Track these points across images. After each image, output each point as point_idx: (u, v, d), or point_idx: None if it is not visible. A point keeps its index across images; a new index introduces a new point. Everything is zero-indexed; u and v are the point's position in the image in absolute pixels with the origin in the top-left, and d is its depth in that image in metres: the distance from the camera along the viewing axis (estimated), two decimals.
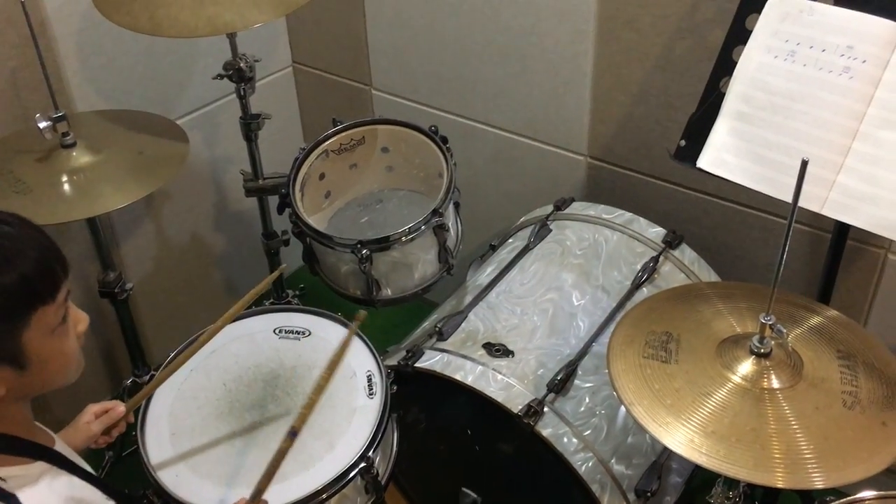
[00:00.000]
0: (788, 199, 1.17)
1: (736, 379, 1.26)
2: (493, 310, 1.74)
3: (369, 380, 1.54)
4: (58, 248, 1.10)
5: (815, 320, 1.39)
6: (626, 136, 2.02)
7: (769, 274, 1.24)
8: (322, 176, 1.85)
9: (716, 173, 1.48)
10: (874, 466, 1.15)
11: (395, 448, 1.56)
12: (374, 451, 1.43)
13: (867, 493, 1.24)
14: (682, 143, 1.53)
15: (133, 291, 2.05)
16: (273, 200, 1.96)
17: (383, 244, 1.64)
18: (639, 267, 1.80)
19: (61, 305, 1.09)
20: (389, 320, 2.19)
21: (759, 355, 1.27)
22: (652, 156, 1.99)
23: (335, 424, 1.46)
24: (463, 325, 1.71)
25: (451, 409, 1.81)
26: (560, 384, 1.56)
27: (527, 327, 1.69)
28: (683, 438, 1.19)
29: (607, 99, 2.00)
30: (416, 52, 2.27)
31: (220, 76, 2.03)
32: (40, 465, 1.11)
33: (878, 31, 1.36)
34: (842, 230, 1.60)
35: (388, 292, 1.73)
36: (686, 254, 1.87)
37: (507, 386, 1.56)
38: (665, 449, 1.55)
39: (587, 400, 1.59)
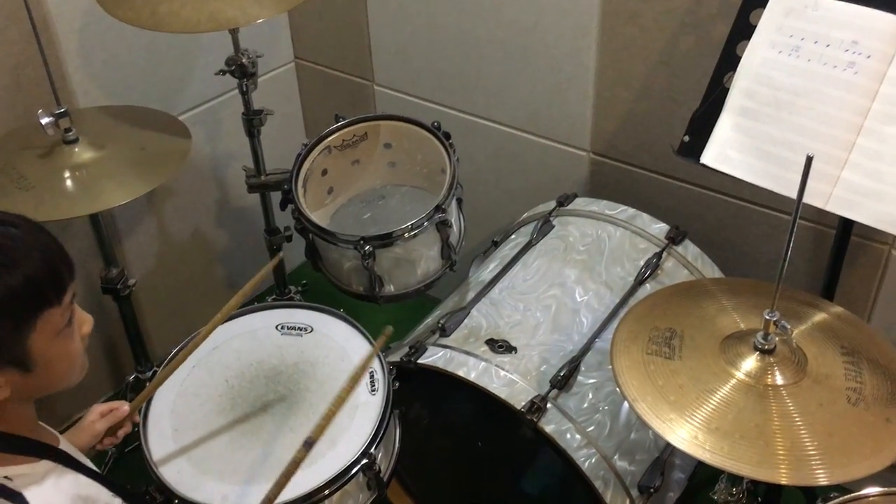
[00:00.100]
0: (792, 195, 1.16)
1: (740, 375, 1.25)
2: (496, 306, 1.74)
3: (371, 376, 1.54)
4: (64, 250, 1.10)
5: (819, 317, 1.38)
6: (629, 132, 2.01)
7: (772, 270, 1.24)
8: (324, 172, 1.84)
9: (719, 169, 1.47)
10: (878, 463, 1.15)
11: (397, 445, 1.56)
12: (376, 448, 1.43)
13: (871, 490, 1.23)
14: (686, 138, 1.52)
15: (135, 287, 2.05)
16: (275, 196, 1.96)
17: (386, 240, 1.64)
18: (642, 263, 1.79)
19: (67, 307, 1.09)
20: (392, 316, 2.19)
21: (762, 352, 1.26)
22: (655, 151, 1.99)
23: (337, 421, 1.45)
24: (466, 321, 1.71)
25: (453, 406, 1.81)
26: (563, 380, 1.56)
27: (530, 323, 1.69)
28: (687, 435, 1.19)
29: (610, 94, 1.99)
30: (418, 47, 2.26)
31: (223, 72, 2.02)
32: (45, 464, 1.11)
33: (882, 26, 1.35)
34: (846, 226, 1.60)
35: (390, 288, 1.72)
36: (689, 250, 1.86)
37: (510, 382, 1.56)
38: (668, 445, 1.55)
39: (590, 396, 1.59)
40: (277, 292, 2.42)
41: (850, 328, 1.36)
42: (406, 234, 1.64)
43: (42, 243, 1.07)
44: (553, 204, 1.98)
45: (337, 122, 1.83)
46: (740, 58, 1.46)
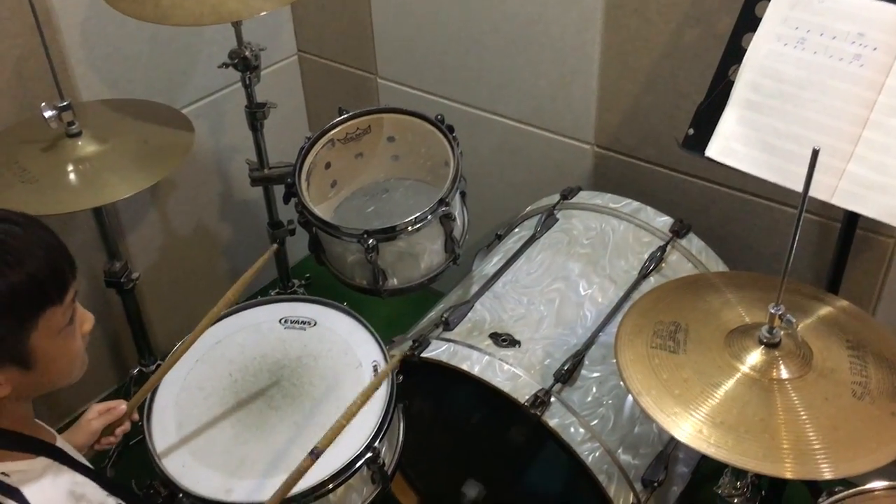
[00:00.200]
0: (798, 188, 1.16)
1: (745, 369, 1.25)
2: (500, 299, 1.74)
3: (375, 370, 1.54)
4: (67, 249, 1.10)
5: (824, 310, 1.38)
6: (633, 125, 2.00)
7: (777, 263, 1.23)
8: (328, 165, 1.84)
9: (724, 162, 1.46)
10: (883, 457, 1.14)
11: (401, 438, 1.56)
12: (380, 442, 1.43)
13: (876, 484, 1.23)
14: (691, 131, 1.52)
15: (139, 281, 2.05)
16: (279, 190, 1.96)
17: (389, 234, 1.63)
18: (646, 256, 1.79)
19: (69, 306, 1.09)
20: (395, 310, 2.19)
21: (768, 345, 1.26)
22: (659, 144, 1.98)
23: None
24: (469, 314, 1.70)
25: (457, 400, 1.81)
26: (567, 374, 1.56)
27: (533, 317, 1.69)
28: (692, 429, 1.18)
29: (614, 87, 1.99)
30: (421, 40, 2.25)
31: (226, 65, 2.02)
32: (42, 461, 1.11)
33: (889, 18, 1.34)
34: (851, 219, 1.59)
35: (394, 282, 1.72)
36: (694, 243, 1.86)
37: (514, 376, 1.55)
38: (672, 439, 1.54)
39: (594, 390, 1.59)
40: (281, 286, 2.42)
41: (855, 322, 1.36)
42: (409, 228, 1.63)
43: (45, 242, 1.07)
44: (557, 197, 1.98)
45: (340, 116, 1.82)
46: (745, 50, 1.45)
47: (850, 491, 1.24)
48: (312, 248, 1.78)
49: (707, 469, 1.72)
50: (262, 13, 1.75)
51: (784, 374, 1.24)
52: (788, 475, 1.14)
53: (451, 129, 1.76)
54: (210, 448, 1.44)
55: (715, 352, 1.29)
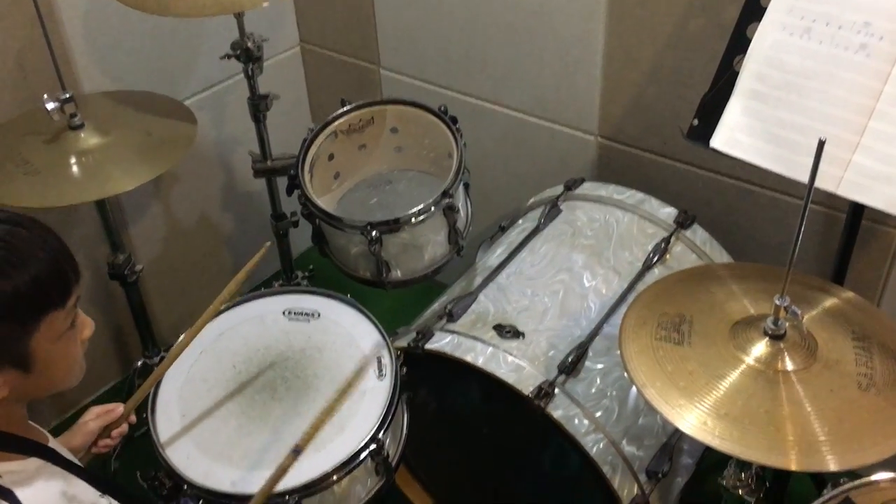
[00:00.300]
0: (803, 179, 1.15)
1: (750, 361, 1.25)
2: (504, 291, 1.74)
3: (379, 361, 1.54)
4: (71, 253, 1.10)
5: (829, 301, 1.37)
6: (637, 116, 2.00)
7: (782, 254, 1.23)
8: (331, 157, 1.84)
9: (729, 153, 1.46)
10: (889, 449, 1.14)
11: (405, 430, 1.56)
12: (384, 433, 1.43)
13: (882, 476, 1.23)
14: (695, 122, 1.51)
15: (142, 273, 2.05)
16: (282, 181, 1.95)
17: (393, 226, 1.63)
18: (650, 248, 1.78)
19: (71, 311, 1.09)
20: (399, 302, 2.19)
21: (773, 337, 1.26)
22: (664, 135, 1.98)
23: (345, 407, 1.46)
24: (473, 306, 1.70)
25: (461, 391, 1.81)
26: (571, 366, 1.56)
27: (537, 309, 1.68)
28: (696, 421, 1.18)
29: (618, 78, 1.98)
30: (424, 31, 2.24)
31: (228, 56, 2.01)
32: (35, 462, 1.11)
33: (895, 8, 1.33)
34: (857, 210, 1.58)
35: (397, 274, 1.72)
36: (698, 234, 1.85)
37: (518, 367, 1.55)
38: (676, 430, 1.54)
39: (598, 381, 1.58)
40: (284, 278, 2.42)
41: (860, 313, 1.35)
42: (413, 220, 1.63)
43: (50, 245, 1.07)
44: (560, 188, 1.97)
45: (343, 107, 1.82)
46: (750, 40, 1.44)
47: (855, 482, 1.24)
48: (316, 239, 1.77)
49: (711, 460, 1.72)
50: (265, 4, 1.74)
51: (789, 365, 1.24)
52: (793, 467, 1.14)
53: (454, 120, 1.76)
54: (214, 439, 1.44)
55: (720, 343, 1.29)
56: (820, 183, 1.31)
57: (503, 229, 1.99)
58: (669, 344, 1.30)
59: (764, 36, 1.43)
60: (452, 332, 1.64)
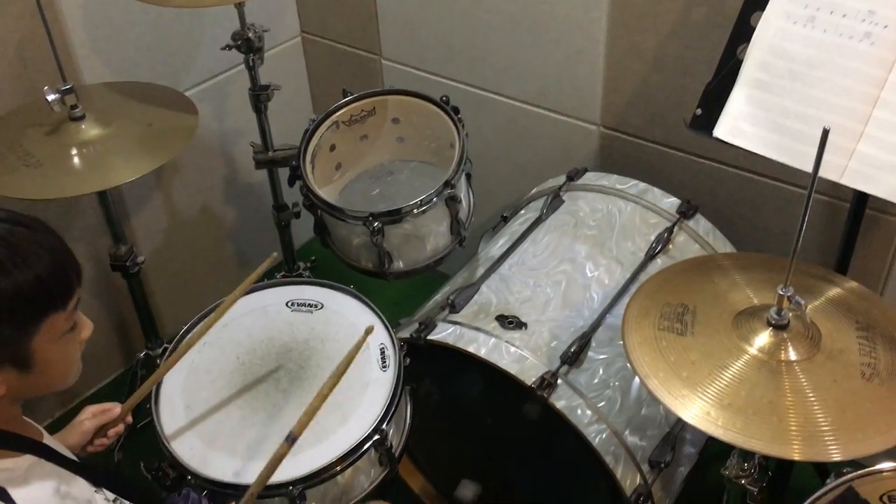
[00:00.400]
0: (807, 168, 1.15)
1: (753, 351, 1.25)
2: (506, 282, 1.73)
3: (382, 352, 1.54)
4: (73, 254, 1.10)
5: (832, 291, 1.37)
6: (640, 105, 1.99)
7: (785, 244, 1.23)
8: (332, 147, 1.83)
9: (732, 143, 1.45)
10: (893, 438, 1.14)
11: (408, 421, 1.56)
12: (387, 424, 1.43)
13: (885, 465, 1.23)
14: (698, 111, 1.51)
15: (144, 264, 2.05)
16: (283, 172, 1.95)
17: (395, 216, 1.63)
18: (653, 238, 1.78)
19: (72, 312, 1.09)
20: (401, 293, 2.19)
21: (776, 327, 1.25)
22: (667, 125, 1.97)
23: (348, 397, 1.46)
24: (475, 297, 1.70)
25: (464, 382, 1.81)
26: (574, 356, 1.55)
27: (540, 299, 1.68)
28: (700, 411, 1.18)
29: (621, 67, 1.97)
30: (426, 20, 2.24)
31: (229, 47, 2.01)
32: (28, 459, 1.11)
33: None
34: (860, 200, 1.58)
35: (399, 265, 1.72)
36: (701, 224, 1.85)
37: (521, 358, 1.55)
38: (679, 420, 1.55)
39: (601, 372, 1.58)
40: (286, 269, 2.42)
41: (864, 303, 1.35)
42: (415, 210, 1.63)
43: (52, 245, 1.07)
44: (563, 179, 1.97)
45: (344, 97, 1.81)
46: (754, 29, 1.44)
47: (859, 472, 1.24)
48: (318, 230, 1.77)
49: (714, 450, 1.72)
50: None
51: (792, 355, 1.24)
52: (797, 457, 1.14)
53: (456, 110, 1.75)
54: (218, 430, 1.44)
55: (723, 334, 1.28)
56: (824, 172, 1.30)
57: (505, 220, 1.99)
58: (672, 334, 1.29)
59: (768, 24, 1.42)
60: (455, 322, 1.63)
